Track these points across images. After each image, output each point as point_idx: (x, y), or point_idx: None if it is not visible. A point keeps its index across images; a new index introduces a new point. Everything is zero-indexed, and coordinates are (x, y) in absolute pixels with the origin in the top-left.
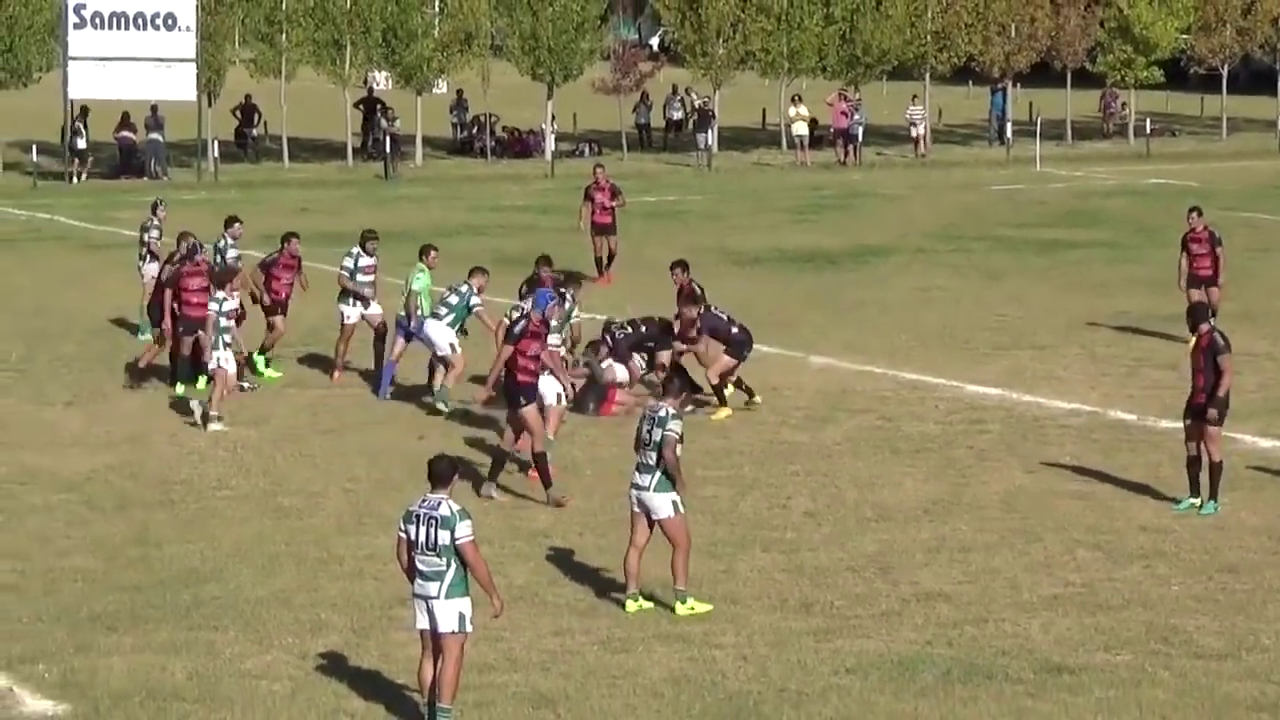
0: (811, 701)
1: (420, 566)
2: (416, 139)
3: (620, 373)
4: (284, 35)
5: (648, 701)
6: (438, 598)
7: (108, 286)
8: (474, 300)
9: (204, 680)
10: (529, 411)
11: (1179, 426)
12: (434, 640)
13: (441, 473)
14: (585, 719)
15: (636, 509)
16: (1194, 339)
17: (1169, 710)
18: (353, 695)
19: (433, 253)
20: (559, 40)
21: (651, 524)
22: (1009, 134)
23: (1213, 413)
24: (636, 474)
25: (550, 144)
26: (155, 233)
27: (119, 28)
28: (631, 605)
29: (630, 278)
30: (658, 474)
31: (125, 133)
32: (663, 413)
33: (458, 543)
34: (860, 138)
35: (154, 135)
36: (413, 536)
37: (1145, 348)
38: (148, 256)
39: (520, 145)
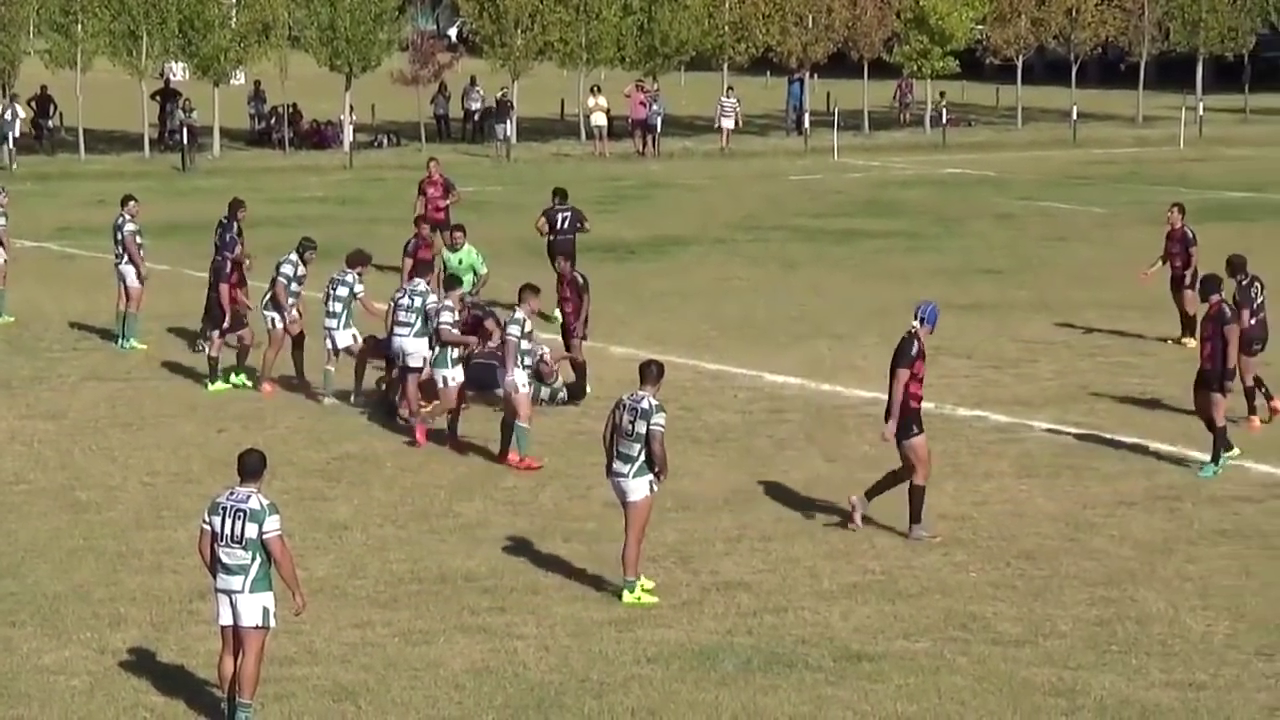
0: (613, 691)
1: (223, 559)
2: (214, 130)
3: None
4: (79, 26)
5: (449, 693)
6: (241, 592)
7: None
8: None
9: (1, 676)
10: (919, 442)
11: (976, 414)
12: (235, 635)
13: (252, 466)
14: (386, 711)
15: (617, 497)
16: (1204, 308)
17: (968, 696)
18: (152, 690)
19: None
20: (357, 31)
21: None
22: (807, 124)
23: (1228, 384)
24: (615, 463)
25: (348, 135)
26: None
27: None
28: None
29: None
30: (638, 461)
31: None
32: (645, 404)
33: (265, 537)
34: (659, 128)
35: None
36: (217, 529)
37: (942, 336)
38: None
39: (318, 136)
